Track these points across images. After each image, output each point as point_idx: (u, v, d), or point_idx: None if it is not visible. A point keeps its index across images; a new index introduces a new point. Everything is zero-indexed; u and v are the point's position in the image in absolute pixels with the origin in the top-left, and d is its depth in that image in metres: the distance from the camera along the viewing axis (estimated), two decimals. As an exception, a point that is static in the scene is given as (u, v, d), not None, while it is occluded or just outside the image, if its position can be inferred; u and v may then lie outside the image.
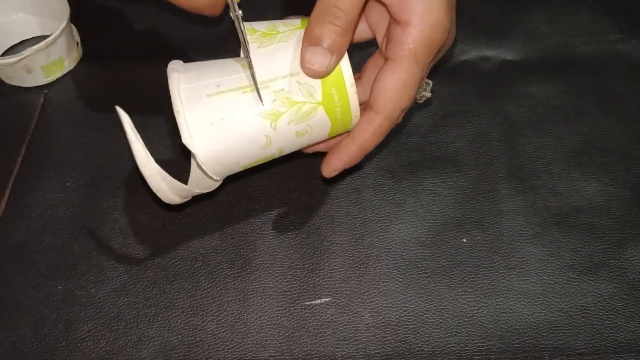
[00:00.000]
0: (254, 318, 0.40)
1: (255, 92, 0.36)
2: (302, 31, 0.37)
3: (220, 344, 0.39)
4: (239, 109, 0.37)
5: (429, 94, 0.41)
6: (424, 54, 0.36)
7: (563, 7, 0.58)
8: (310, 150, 0.42)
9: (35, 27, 0.57)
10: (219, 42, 0.56)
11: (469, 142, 0.49)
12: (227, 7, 0.37)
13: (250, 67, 0.36)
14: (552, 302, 0.40)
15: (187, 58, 0.39)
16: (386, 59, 0.37)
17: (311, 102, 0.37)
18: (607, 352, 0.38)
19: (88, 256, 0.44)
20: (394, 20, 0.37)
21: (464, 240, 0.43)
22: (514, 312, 0.40)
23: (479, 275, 0.42)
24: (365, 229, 0.44)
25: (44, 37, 0.53)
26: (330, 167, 0.41)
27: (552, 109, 0.51)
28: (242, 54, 0.38)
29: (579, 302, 0.40)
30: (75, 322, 0.41)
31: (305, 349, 0.39)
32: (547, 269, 0.42)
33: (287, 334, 0.40)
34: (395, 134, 0.48)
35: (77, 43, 0.56)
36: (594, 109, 0.51)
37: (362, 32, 0.42)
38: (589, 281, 0.41)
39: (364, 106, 0.39)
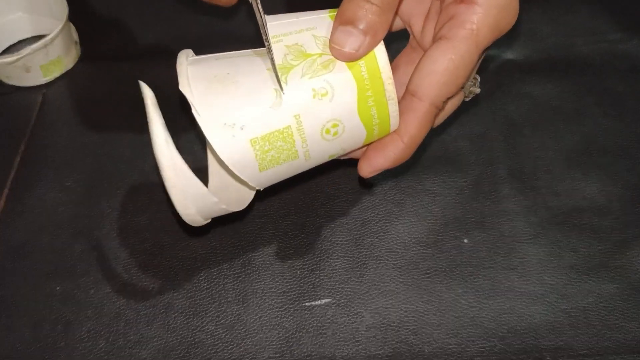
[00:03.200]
0: (254, 319, 0.40)
1: (266, 55, 0.33)
2: (326, 12, 0.34)
3: (220, 344, 0.39)
4: (246, 64, 0.34)
5: (477, 90, 0.37)
6: (486, 37, 0.32)
7: (563, 7, 0.58)
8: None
9: (34, 27, 0.57)
10: (222, 42, 0.56)
11: (469, 142, 0.49)
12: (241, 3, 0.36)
13: (264, 29, 0.33)
14: (553, 303, 0.40)
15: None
16: (438, 39, 0.33)
17: (329, 54, 0.33)
18: (609, 353, 0.38)
19: (88, 256, 0.43)
20: (455, 0, 0.33)
21: (465, 240, 0.43)
22: (515, 312, 0.40)
23: (480, 276, 0.42)
24: (365, 229, 0.44)
25: (43, 36, 0.52)
26: (373, 166, 0.36)
27: (552, 109, 0.51)
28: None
29: (580, 302, 0.40)
30: (74, 323, 0.40)
31: (305, 349, 0.39)
32: (548, 270, 0.42)
33: (287, 335, 0.40)
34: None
35: (76, 42, 0.56)
36: (594, 109, 0.50)
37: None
38: (590, 281, 0.41)
39: (402, 96, 0.35)
